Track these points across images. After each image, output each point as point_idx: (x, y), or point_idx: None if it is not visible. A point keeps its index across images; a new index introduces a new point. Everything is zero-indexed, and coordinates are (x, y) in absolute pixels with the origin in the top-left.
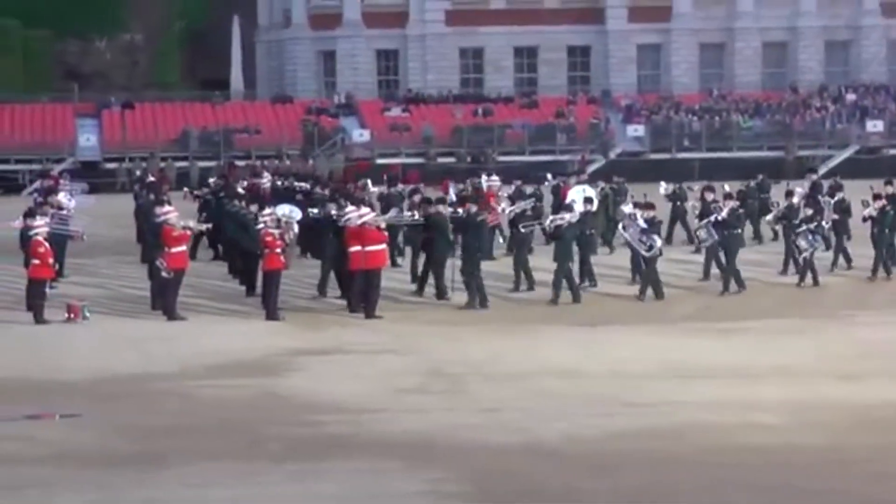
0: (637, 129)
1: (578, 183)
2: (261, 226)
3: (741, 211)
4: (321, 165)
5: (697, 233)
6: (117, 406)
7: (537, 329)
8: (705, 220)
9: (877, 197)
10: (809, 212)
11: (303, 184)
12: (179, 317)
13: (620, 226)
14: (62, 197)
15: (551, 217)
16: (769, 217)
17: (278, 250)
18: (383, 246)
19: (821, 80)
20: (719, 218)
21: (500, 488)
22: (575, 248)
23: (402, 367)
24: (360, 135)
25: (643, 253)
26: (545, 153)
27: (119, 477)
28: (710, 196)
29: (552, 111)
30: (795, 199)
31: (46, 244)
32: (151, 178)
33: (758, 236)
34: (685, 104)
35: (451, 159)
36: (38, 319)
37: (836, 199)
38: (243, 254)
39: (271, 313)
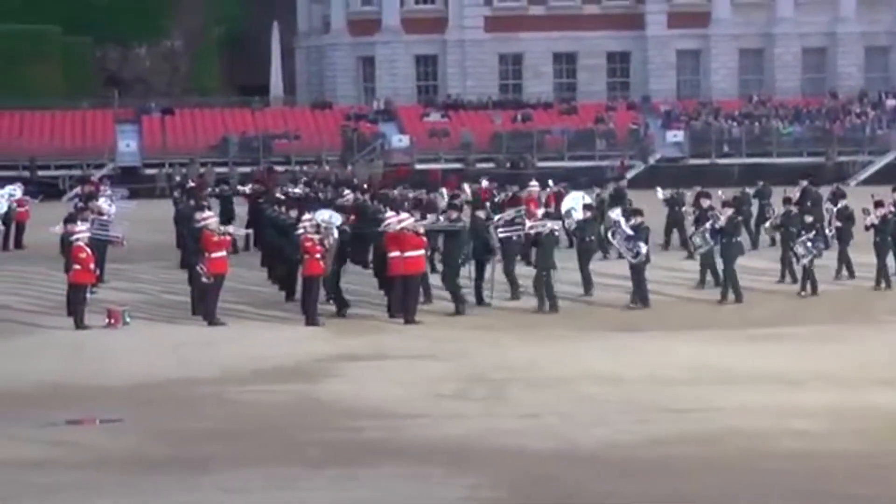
0: (676, 135)
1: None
2: (300, 231)
3: (739, 218)
4: (360, 171)
5: (693, 239)
6: (158, 411)
7: (577, 335)
8: (702, 228)
9: (878, 204)
10: (809, 219)
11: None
12: (219, 322)
13: (609, 232)
14: (103, 202)
15: (530, 224)
16: (767, 224)
17: (318, 256)
18: (422, 252)
19: (860, 86)
20: (717, 225)
21: (538, 494)
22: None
23: (442, 373)
24: (399, 140)
25: (630, 260)
26: (584, 159)
27: (159, 482)
28: (705, 203)
29: (591, 117)
30: (793, 207)
31: (88, 249)
32: (191, 184)
33: (754, 243)
34: (724, 110)
35: (491, 165)
36: (79, 325)
37: (838, 206)
38: (283, 259)
39: (311, 319)
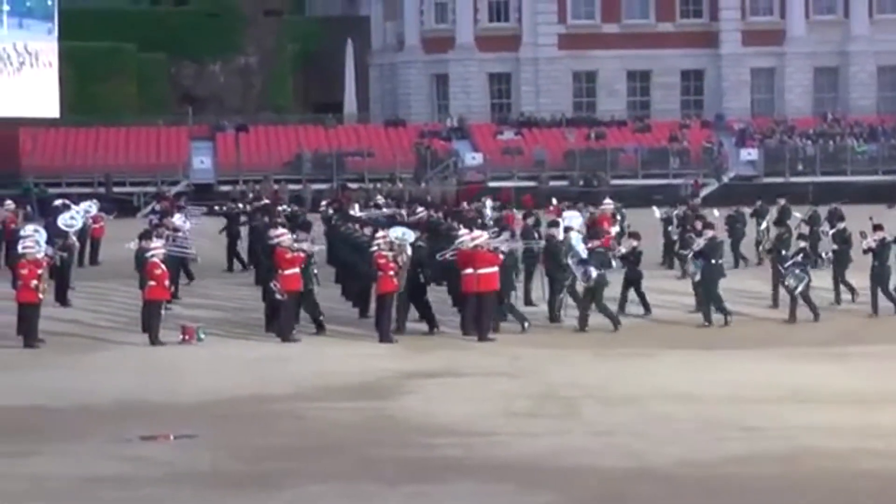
0: (750, 153)
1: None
2: (374, 248)
3: (719, 240)
4: (433, 189)
5: (686, 266)
6: (231, 427)
7: (651, 352)
8: (689, 252)
9: (877, 228)
10: (801, 244)
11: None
12: (293, 339)
13: (567, 255)
14: (177, 219)
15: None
16: (761, 247)
17: (392, 273)
18: (496, 269)
19: None
20: (695, 248)
21: None
22: None
23: (515, 390)
24: (472, 158)
25: (582, 282)
26: (658, 177)
27: (233, 498)
28: (699, 225)
29: (665, 135)
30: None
31: (163, 266)
32: (265, 201)
33: (739, 261)
34: (799, 128)
35: (564, 183)
36: (154, 341)
37: (836, 228)
38: (357, 276)
39: (384, 336)
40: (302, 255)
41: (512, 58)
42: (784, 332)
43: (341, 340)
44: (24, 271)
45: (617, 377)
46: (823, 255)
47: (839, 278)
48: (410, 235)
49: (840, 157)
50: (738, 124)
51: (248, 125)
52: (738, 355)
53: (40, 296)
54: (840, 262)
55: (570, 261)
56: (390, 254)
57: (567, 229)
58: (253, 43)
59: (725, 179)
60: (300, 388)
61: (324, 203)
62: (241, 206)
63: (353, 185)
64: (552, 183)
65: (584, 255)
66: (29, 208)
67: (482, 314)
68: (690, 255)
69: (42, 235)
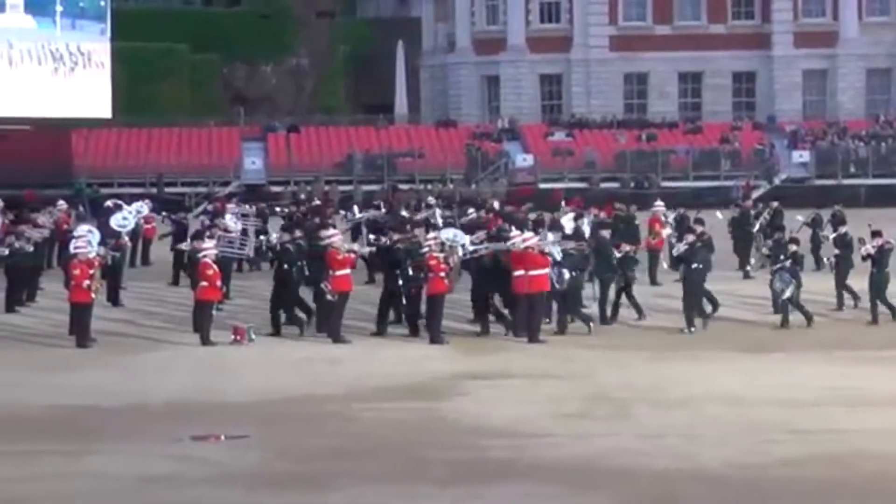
0: (802, 155)
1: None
2: (425, 250)
3: (699, 244)
4: (484, 190)
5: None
6: (283, 428)
7: (702, 355)
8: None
9: (875, 234)
10: (793, 248)
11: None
12: (344, 340)
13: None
14: (229, 220)
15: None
16: (763, 250)
17: (442, 274)
18: (547, 270)
19: None
20: (674, 253)
21: None
22: None
23: (566, 392)
24: (523, 159)
25: (556, 285)
26: (709, 179)
27: (284, 498)
28: (699, 229)
29: (717, 137)
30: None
31: (215, 266)
32: (316, 202)
33: (742, 266)
34: (851, 130)
35: (615, 184)
36: (205, 341)
37: (837, 232)
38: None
39: (435, 337)
40: (353, 255)
41: (563, 59)
42: (838, 336)
43: (392, 341)
44: (77, 271)
45: (668, 379)
46: (825, 259)
47: (840, 283)
48: (462, 237)
49: (892, 159)
50: (789, 126)
51: (300, 126)
52: (789, 358)
53: (92, 296)
54: (841, 267)
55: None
56: (441, 255)
57: (537, 228)
58: (305, 44)
59: (777, 181)
60: (351, 389)
61: (374, 204)
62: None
63: (404, 187)
64: (603, 185)
65: (559, 257)
66: (81, 209)
67: (533, 315)
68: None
69: (95, 236)
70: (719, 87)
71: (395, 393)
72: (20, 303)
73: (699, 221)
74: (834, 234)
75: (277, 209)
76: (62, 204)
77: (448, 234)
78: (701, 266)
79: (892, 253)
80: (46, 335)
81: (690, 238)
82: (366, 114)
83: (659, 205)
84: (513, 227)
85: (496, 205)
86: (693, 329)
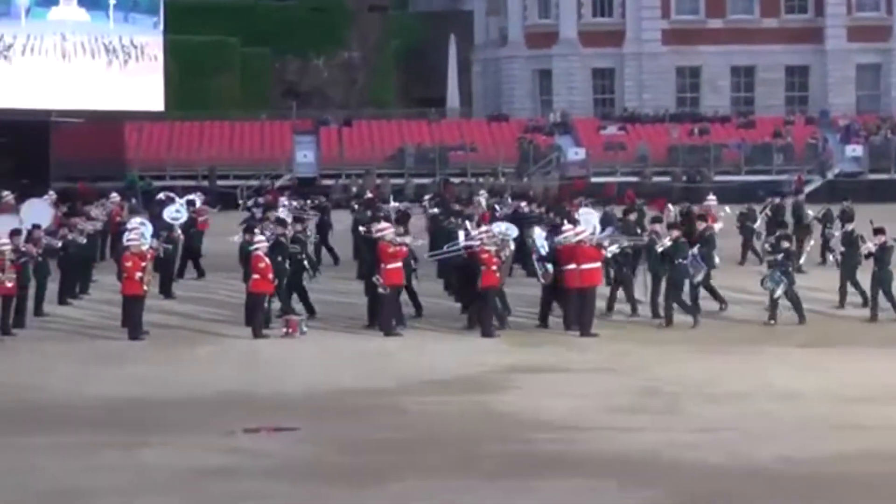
0: (855, 150)
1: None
2: (477, 242)
3: (683, 240)
4: (536, 184)
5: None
6: (334, 420)
7: (755, 350)
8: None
9: (878, 231)
10: (785, 245)
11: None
12: (395, 333)
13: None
14: (281, 212)
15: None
16: (765, 246)
17: (494, 267)
18: (598, 264)
19: None
20: (658, 249)
21: None
22: None
23: (618, 386)
24: (575, 153)
25: (541, 281)
26: (761, 173)
27: (336, 491)
28: (701, 225)
29: (769, 131)
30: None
31: (266, 259)
32: (368, 195)
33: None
34: None
35: (667, 178)
36: (257, 334)
37: (843, 229)
38: (458, 270)
39: (487, 330)
40: (405, 249)
41: (615, 53)
42: (873, 332)
43: (444, 335)
44: (129, 264)
45: (720, 374)
46: (831, 256)
47: (845, 280)
48: (514, 231)
49: None
50: (842, 120)
51: (352, 119)
52: (845, 353)
53: (145, 288)
54: (847, 264)
55: (532, 257)
56: (493, 248)
57: (528, 224)
58: (356, 38)
59: (830, 176)
60: (402, 382)
61: (426, 198)
62: (323, 199)
63: (456, 180)
64: (655, 178)
65: (545, 252)
66: (134, 201)
67: (584, 309)
68: (693, 255)
69: (148, 228)
70: (772, 81)
71: (447, 386)
72: (73, 295)
73: (701, 218)
74: (839, 232)
75: (284, 203)
76: (115, 196)
77: (500, 227)
78: (685, 262)
79: (895, 250)
80: (99, 327)
81: (675, 233)
82: (417, 107)
83: (711, 199)
84: (565, 221)
85: (482, 199)
86: (661, 324)
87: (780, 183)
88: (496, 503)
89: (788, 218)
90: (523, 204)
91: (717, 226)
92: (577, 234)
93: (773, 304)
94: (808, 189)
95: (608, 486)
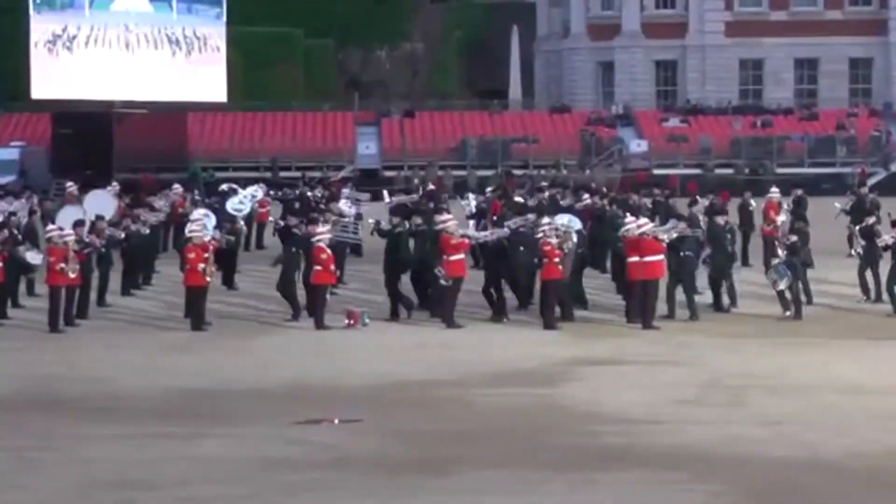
0: None
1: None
2: (539, 235)
3: (689, 232)
4: (598, 176)
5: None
6: (397, 412)
7: (820, 342)
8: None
9: (895, 224)
10: (793, 239)
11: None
12: (457, 325)
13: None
14: (343, 205)
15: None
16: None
17: (556, 260)
18: (661, 257)
19: None
20: (660, 238)
21: (781, 502)
22: None
23: (681, 379)
24: (637, 145)
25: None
26: (825, 165)
27: (398, 483)
28: (721, 220)
29: (832, 123)
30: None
31: (328, 251)
32: (430, 187)
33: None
34: None
35: (729, 171)
36: (319, 325)
37: (864, 223)
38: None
39: (549, 323)
40: (467, 241)
41: (678, 45)
42: None
43: (505, 327)
44: (191, 255)
45: (784, 366)
46: (853, 251)
47: (863, 273)
48: (576, 223)
49: None
50: None
51: (414, 111)
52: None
53: (207, 279)
54: (866, 257)
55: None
56: (556, 241)
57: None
58: (419, 29)
59: (893, 168)
60: (464, 374)
61: (488, 190)
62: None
63: (518, 172)
64: (718, 171)
65: None
66: (197, 192)
67: (647, 301)
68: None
69: (211, 220)
70: (835, 73)
71: (509, 378)
72: (136, 286)
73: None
74: (859, 227)
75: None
76: (177, 188)
77: (562, 219)
78: (691, 254)
79: None
80: (162, 318)
81: (681, 225)
82: (479, 99)
83: (774, 192)
84: (627, 214)
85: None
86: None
87: (844, 175)
88: (560, 495)
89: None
90: (585, 196)
91: (780, 218)
92: (639, 227)
93: (780, 296)
94: (871, 181)
95: (673, 479)
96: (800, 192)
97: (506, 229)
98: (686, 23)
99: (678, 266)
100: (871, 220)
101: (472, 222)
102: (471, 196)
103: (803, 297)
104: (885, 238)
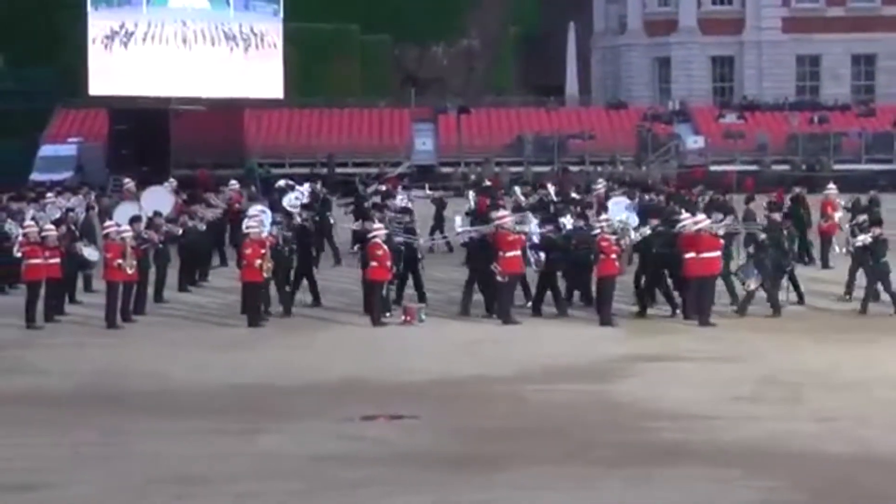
0: None
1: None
2: (597, 231)
3: (661, 229)
4: (654, 172)
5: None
6: (453, 408)
7: (873, 338)
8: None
9: (874, 223)
10: (762, 237)
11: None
12: (514, 321)
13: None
14: (399, 200)
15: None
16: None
17: (613, 256)
18: (718, 253)
19: None
20: (634, 236)
21: (837, 498)
22: None
23: (737, 375)
24: (694, 142)
25: (535, 269)
26: (882, 162)
27: (454, 478)
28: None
29: (890, 119)
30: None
31: (385, 247)
32: (487, 183)
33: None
34: None
35: (786, 167)
36: (376, 321)
37: (852, 221)
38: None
39: (605, 319)
40: (524, 237)
41: (735, 41)
42: None
43: (561, 323)
44: (248, 251)
45: (839, 362)
46: (843, 249)
47: (852, 272)
48: (634, 219)
49: None
50: None
51: (470, 107)
52: None
53: (264, 275)
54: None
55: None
56: (613, 237)
57: (520, 210)
58: (476, 25)
59: None
60: (521, 370)
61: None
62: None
63: (574, 168)
64: (774, 167)
65: (537, 239)
66: (253, 189)
67: (703, 298)
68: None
69: (268, 216)
70: (893, 69)
71: (565, 374)
72: (193, 282)
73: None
74: (853, 222)
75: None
76: (234, 184)
77: (620, 215)
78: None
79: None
80: (219, 314)
81: (728, 219)
82: (536, 95)
83: (831, 188)
84: (683, 210)
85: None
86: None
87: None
88: (616, 491)
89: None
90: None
91: (838, 215)
92: (695, 223)
93: (748, 296)
94: None
95: (729, 476)
96: (797, 190)
97: (548, 227)
98: (743, 19)
99: (651, 260)
100: (862, 217)
101: (458, 218)
102: (470, 194)
103: (793, 297)
104: (863, 237)
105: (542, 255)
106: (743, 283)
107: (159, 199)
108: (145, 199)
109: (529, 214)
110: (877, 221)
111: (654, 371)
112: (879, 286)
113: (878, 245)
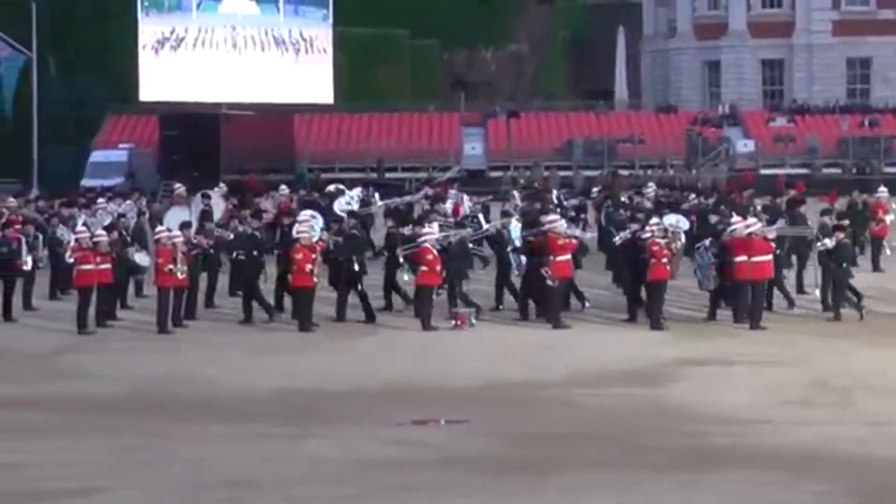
0: None
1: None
2: (647, 235)
3: (846, 240)
4: (704, 176)
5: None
6: (503, 413)
7: None
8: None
9: (837, 228)
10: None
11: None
12: (564, 325)
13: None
14: (448, 205)
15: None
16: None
17: (664, 260)
18: (769, 257)
19: None
20: (819, 248)
21: (887, 502)
22: None
23: (787, 379)
24: (744, 145)
25: (515, 273)
26: None
27: (504, 483)
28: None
29: None
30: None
31: (434, 252)
32: (536, 187)
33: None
34: None
35: (837, 171)
36: (426, 326)
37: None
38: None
39: (655, 323)
40: (574, 241)
41: (785, 44)
42: None
43: (611, 327)
44: (299, 256)
45: (890, 366)
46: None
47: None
48: (684, 223)
49: None
50: None
51: (520, 111)
52: None
53: (315, 280)
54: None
55: (507, 249)
56: (664, 241)
57: (506, 214)
58: (524, 30)
59: None
60: (570, 375)
61: (595, 190)
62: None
63: (624, 172)
64: (825, 171)
65: (519, 242)
66: (305, 192)
67: (755, 302)
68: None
69: (319, 221)
70: None
71: (615, 379)
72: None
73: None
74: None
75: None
76: (284, 189)
77: (671, 219)
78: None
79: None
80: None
81: (839, 234)
82: (585, 99)
83: (882, 191)
84: (734, 213)
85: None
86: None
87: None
88: (665, 497)
89: None
90: (692, 196)
91: (889, 218)
92: (746, 227)
93: (712, 295)
94: None
95: (780, 480)
96: (792, 192)
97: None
98: (792, 22)
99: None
100: (846, 221)
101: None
102: (464, 198)
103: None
104: (826, 242)
105: (524, 259)
106: (700, 286)
107: (182, 216)
108: (168, 219)
109: (513, 220)
110: (840, 226)
111: (704, 375)
112: None
113: (839, 249)
